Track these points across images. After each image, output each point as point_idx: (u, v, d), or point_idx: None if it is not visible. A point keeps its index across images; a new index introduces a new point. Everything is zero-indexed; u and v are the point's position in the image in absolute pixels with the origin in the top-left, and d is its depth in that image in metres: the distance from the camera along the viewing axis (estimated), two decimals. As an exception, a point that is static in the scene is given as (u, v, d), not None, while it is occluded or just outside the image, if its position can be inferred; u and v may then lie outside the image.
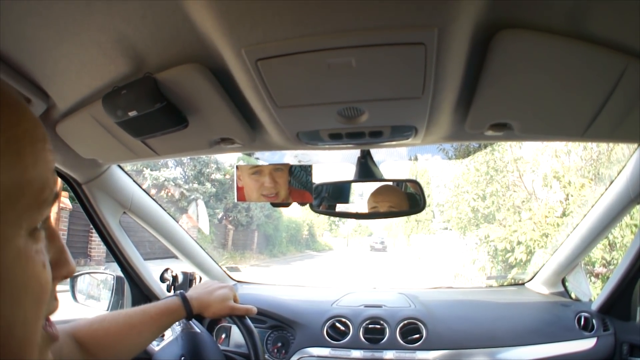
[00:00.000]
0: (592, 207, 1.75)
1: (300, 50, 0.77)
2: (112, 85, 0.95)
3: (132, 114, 0.95)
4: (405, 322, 1.75)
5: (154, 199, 1.84)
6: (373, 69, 0.82)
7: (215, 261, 2.23)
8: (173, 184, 13.82)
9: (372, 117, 1.01)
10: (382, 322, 1.76)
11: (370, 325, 1.76)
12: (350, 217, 1.51)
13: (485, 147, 7.01)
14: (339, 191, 1.51)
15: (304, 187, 1.33)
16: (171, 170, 14.19)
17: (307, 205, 1.40)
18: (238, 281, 2.38)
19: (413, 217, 21.37)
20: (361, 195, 1.49)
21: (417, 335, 1.71)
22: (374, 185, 1.46)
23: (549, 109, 0.97)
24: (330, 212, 1.53)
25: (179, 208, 13.80)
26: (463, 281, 9.27)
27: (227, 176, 15.38)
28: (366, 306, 1.88)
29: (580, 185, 5.94)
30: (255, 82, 0.87)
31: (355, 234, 40.54)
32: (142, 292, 1.85)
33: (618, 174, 1.60)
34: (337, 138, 1.14)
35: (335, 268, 15.57)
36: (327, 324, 1.80)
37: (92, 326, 1.00)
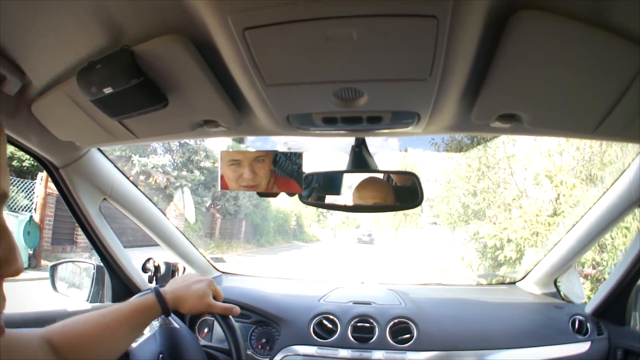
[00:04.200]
0: (590, 207, 1.72)
1: (294, 19, 0.69)
2: (89, 60, 0.88)
3: (107, 90, 0.88)
4: (396, 320, 1.69)
5: (135, 186, 1.77)
6: (377, 43, 0.73)
7: (199, 251, 2.16)
8: (162, 171, 13.67)
9: (372, 101, 0.92)
10: (371, 320, 1.70)
11: (359, 324, 1.69)
12: (342, 210, 1.42)
13: (478, 143, 6.99)
14: (330, 182, 1.43)
15: (292, 176, 1.25)
16: (160, 157, 14.01)
17: (296, 195, 1.31)
18: (223, 272, 2.32)
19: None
20: (350, 187, 1.41)
21: (408, 335, 1.66)
22: (368, 177, 1.38)
23: (562, 101, 0.92)
24: (320, 203, 1.44)
25: (167, 195, 13.66)
26: (450, 276, 9.26)
27: (216, 164, 14.64)
28: (355, 303, 1.82)
29: (571, 186, 5.94)
30: (242, 55, 0.78)
31: (343, 225, 40.67)
32: (122, 283, 1.78)
33: (620, 176, 1.57)
34: (331, 123, 1.05)
35: (322, 260, 15.55)
36: (314, 321, 1.73)
37: (64, 329, 0.94)
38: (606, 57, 0.77)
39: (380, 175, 1.42)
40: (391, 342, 1.63)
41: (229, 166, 1.28)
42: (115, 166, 1.67)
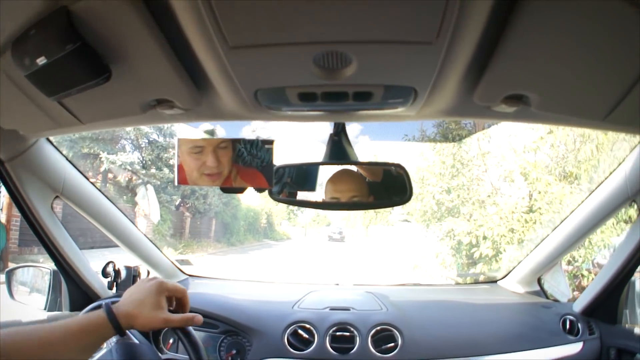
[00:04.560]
0: (581, 202, 1.68)
1: None
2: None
3: (41, 61, 0.74)
4: (378, 328, 1.56)
5: (91, 182, 1.64)
6: None
7: (163, 253, 2.02)
8: (130, 169, 13.33)
9: (361, 71, 0.75)
10: (351, 328, 1.56)
11: (338, 333, 1.55)
12: (317, 207, 1.26)
13: (453, 139, 6.97)
14: (305, 176, 1.26)
15: (260, 168, 1.08)
16: (129, 154, 13.69)
17: (266, 191, 1.16)
18: (189, 275, 2.17)
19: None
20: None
21: (392, 344, 1.53)
22: (346, 168, 1.23)
23: (575, 82, 0.82)
24: (292, 200, 1.28)
25: (136, 194, 13.35)
26: (422, 273, 9.38)
27: None
28: (332, 309, 1.69)
29: (546, 183, 5.97)
30: (199, 7, 0.62)
31: (314, 223, 40.88)
32: (80, 289, 1.65)
33: (615, 170, 1.53)
34: (309, 100, 0.87)
35: (294, 259, 15.48)
36: (288, 330, 1.57)
37: (4, 342, 0.80)
38: (628, 37, 0.68)
39: (355, 169, 1.28)
40: (374, 351, 1.51)
41: (189, 154, 1.12)
42: (68, 160, 1.53)
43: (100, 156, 12.60)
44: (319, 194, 1.24)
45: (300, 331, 1.57)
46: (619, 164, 1.52)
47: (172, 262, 2.08)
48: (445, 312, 1.77)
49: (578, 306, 1.73)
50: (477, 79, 0.82)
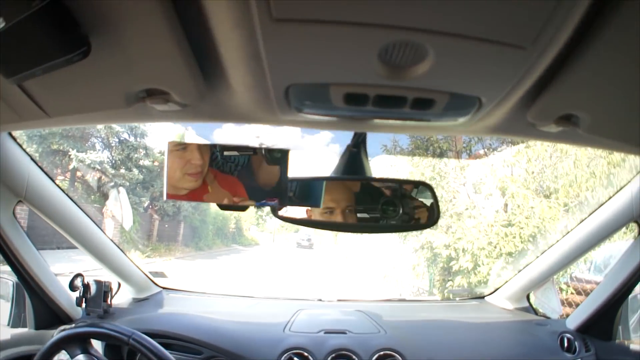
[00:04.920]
0: (582, 221, 1.70)
1: None
2: None
3: None
4: (381, 353, 1.48)
5: (57, 185, 1.47)
6: None
7: (136, 264, 1.86)
8: (99, 169, 12.86)
9: (434, 71, 0.60)
10: (351, 355, 1.46)
11: None
12: (332, 229, 1.12)
13: (434, 152, 6.99)
14: (308, 190, 1.09)
15: (272, 182, 0.91)
16: (98, 153, 13.20)
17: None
18: (163, 287, 2.03)
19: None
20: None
21: None
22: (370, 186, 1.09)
23: (631, 108, 0.75)
24: (303, 220, 1.11)
25: (104, 195, 12.88)
26: (392, 283, 9.43)
27: (156, 163, 14.55)
28: (326, 332, 1.59)
29: (524, 197, 6.04)
30: None
31: (282, 229, 40.52)
32: (45, 305, 1.51)
33: (620, 190, 1.54)
34: (357, 103, 0.68)
35: (264, 266, 15.19)
36: (283, 358, 1.46)
37: None
38: None
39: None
40: None
41: (181, 162, 0.92)
42: (33, 160, 1.35)
43: (69, 154, 12.11)
44: (334, 214, 1.08)
45: (296, 359, 1.47)
46: (626, 184, 1.52)
47: (145, 274, 1.94)
48: (444, 333, 1.72)
49: (572, 323, 1.75)
50: (536, 95, 0.71)
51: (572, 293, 5.09)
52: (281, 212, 1.06)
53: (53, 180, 1.44)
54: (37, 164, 1.37)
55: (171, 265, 12.40)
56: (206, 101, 0.78)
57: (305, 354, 1.47)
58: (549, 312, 2.01)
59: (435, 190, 1.07)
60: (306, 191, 1.09)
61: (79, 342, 1.21)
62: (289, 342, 1.52)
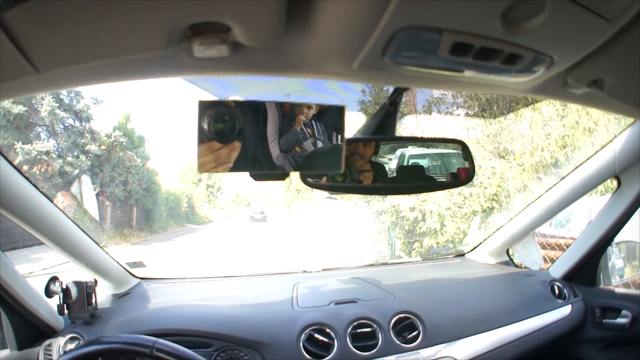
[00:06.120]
0: (565, 177, 1.75)
1: None
2: None
3: None
4: (397, 317, 1.46)
5: (26, 177, 1.19)
6: None
7: (111, 256, 1.65)
8: (46, 158, 12.13)
9: (539, 29, 0.55)
10: (370, 322, 1.43)
11: (358, 330, 1.41)
12: (370, 193, 1.09)
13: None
14: (329, 154, 0.93)
15: (329, 144, 0.79)
16: (44, 142, 12.39)
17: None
18: (141, 278, 1.83)
19: (293, 186, 21.75)
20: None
21: (415, 332, 1.44)
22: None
23: None
24: (339, 186, 1.01)
25: (54, 186, 12.19)
26: (350, 248, 9.74)
27: (103, 147, 13.86)
28: (337, 303, 1.53)
29: (482, 158, 6.29)
30: None
31: (233, 204, 39.89)
32: (24, 319, 1.30)
33: (602, 147, 1.59)
34: (459, 54, 0.59)
35: (223, 242, 14.95)
36: (303, 336, 1.37)
37: None
38: None
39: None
40: (399, 343, 1.40)
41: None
42: None
43: (14, 147, 11.45)
44: (366, 177, 1.00)
45: (316, 335, 1.38)
46: (609, 142, 1.57)
47: (123, 267, 1.74)
48: (448, 291, 1.72)
49: (556, 272, 1.87)
50: (583, 59, 0.69)
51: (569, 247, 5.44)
52: (320, 181, 0.98)
53: (22, 173, 1.18)
54: (3, 157, 1.11)
55: (129, 252, 11.98)
56: (281, 44, 0.59)
57: (327, 329, 1.39)
58: (530, 264, 2.12)
59: (469, 148, 1.08)
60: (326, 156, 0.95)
61: None
62: (304, 318, 1.43)
